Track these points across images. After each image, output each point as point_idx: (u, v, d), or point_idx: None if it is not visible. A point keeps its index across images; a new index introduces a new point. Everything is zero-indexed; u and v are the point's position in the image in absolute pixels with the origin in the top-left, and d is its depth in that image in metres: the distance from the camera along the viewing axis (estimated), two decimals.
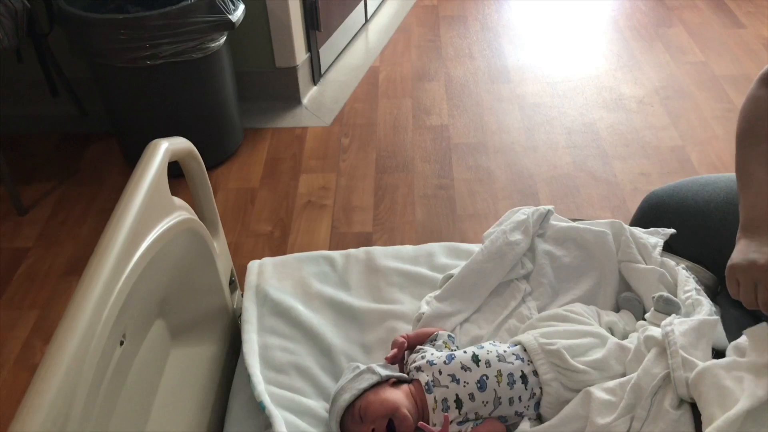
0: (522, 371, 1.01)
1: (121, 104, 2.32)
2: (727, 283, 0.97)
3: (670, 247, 1.29)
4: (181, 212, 1.02)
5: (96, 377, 0.74)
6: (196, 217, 1.07)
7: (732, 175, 1.33)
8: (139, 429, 0.95)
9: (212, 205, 1.23)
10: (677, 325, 0.96)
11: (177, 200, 1.03)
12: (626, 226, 1.22)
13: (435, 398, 1.00)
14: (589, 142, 2.52)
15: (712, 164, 2.39)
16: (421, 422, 0.98)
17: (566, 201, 2.26)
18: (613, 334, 1.08)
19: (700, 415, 0.89)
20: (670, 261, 1.18)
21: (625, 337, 1.06)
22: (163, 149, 1.01)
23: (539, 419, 1.01)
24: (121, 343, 0.84)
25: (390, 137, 2.62)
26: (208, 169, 1.21)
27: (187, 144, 1.11)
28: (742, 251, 0.97)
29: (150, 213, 0.92)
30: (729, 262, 0.97)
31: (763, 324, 0.93)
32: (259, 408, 1.04)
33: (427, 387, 1.01)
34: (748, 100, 1.11)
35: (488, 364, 1.01)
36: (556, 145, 2.52)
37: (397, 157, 2.52)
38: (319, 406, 1.07)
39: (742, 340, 0.96)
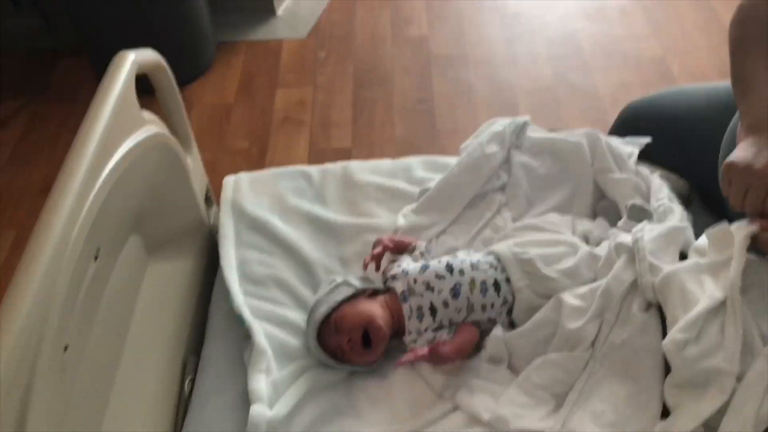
0: (495, 279, 1.03)
1: (88, 17, 2.23)
2: (720, 178, 0.95)
3: (647, 157, 1.29)
4: (151, 126, 1.00)
5: (71, 291, 0.74)
6: (167, 132, 1.05)
7: (710, 84, 1.32)
8: (119, 344, 0.96)
9: (184, 120, 1.21)
10: (647, 231, 0.98)
11: (147, 114, 1.01)
12: (602, 136, 1.22)
13: (410, 306, 1.02)
14: (571, 54, 2.48)
15: (692, 75, 2.37)
16: (410, 353, 1.00)
17: (546, 114, 2.25)
18: (588, 242, 1.10)
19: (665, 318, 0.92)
20: (645, 170, 1.18)
21: (599, 244, 1.07)
22: (130, 61, 0.98)
23: (511, 325, 1.03)
24: (96, 257, 0.84)
25: (368, 50, 2.56)
26: (181, 84, 1.18)
27: (155, 56, 1.08)
28: (742, 151, 0.94)
29: (118, 127, 0.90)
30: (727, 159, 0.95)
31: (723, 223, 0.94)
32: (239, 320, 1.06)
33: (402, 296, 1.03)
34: (741, 8, 1.08)
35: (462, 272, 1.03)
36: (537, 56, 2.48)
37: (376, 70, 2.46)
38: (298, 317, 1.09)
39: (702, 240, 0.97)
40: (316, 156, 2.15)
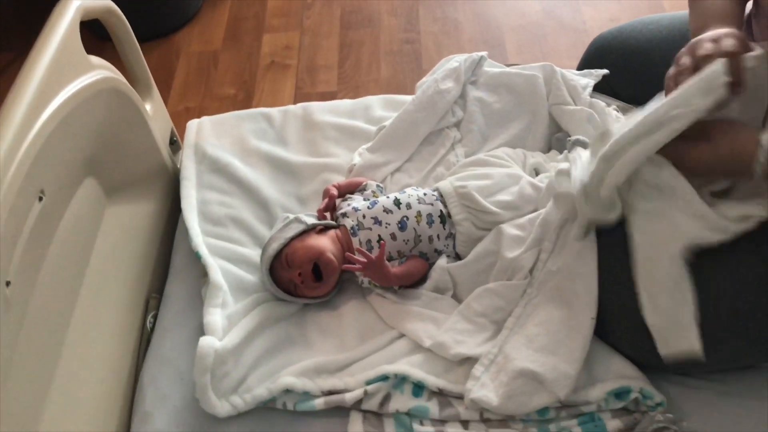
0: (441, 211, 1.05)
1: None
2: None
3: (612, 90, 1.28)
4: (99, 71, 1.02)
5: (9, 229, 0.78)
6: (119, 77, 1.07)
7: (677, 12, 1.30)
8: (76, 282, 1.00)
9: (143, 66, 1.22)
10: (584, 155, 0.98)
11: (95, 59, 1.02)
12: (557, 69, 1.22)
13: (360, 240, 1.05)
14: None
15: (684, 8, 2.31)
16: (347, 254, 1.03)
17: (533, 50, 2.22)
18: (538, 174, 1.11)
19: (603, 248, 0.93)
20: (600, 102, 1.18)
21: None
22: (74, 6, 1.00)
23: (458, 257, 1.06)
24: (40, 198, 0.87)
25: None
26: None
27: (105, 2, 1.09)
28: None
29: (60, 70, 0.92)
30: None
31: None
32: (198, 258, 1.10)
33: (352, 231, 1.05)
34: None
35: (408, 206, 1.05)
36: None
37: (363, 11, 2.44)
38: (255, 254, 1.12)
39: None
40: (302, 100, 2.13)
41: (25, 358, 0.85)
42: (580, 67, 1.36)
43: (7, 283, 0.79)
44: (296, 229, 1.06)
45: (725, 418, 0.91)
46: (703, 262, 0.87)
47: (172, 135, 1.31)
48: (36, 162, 0.84)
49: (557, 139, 1.19)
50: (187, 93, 2.24)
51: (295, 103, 2.15)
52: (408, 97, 1.34)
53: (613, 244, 0.92)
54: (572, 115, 1.16)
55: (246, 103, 2.17)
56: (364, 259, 0.99)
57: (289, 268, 1.03)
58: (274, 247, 1.04)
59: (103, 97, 1.02)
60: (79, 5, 1.01)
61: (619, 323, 0.91)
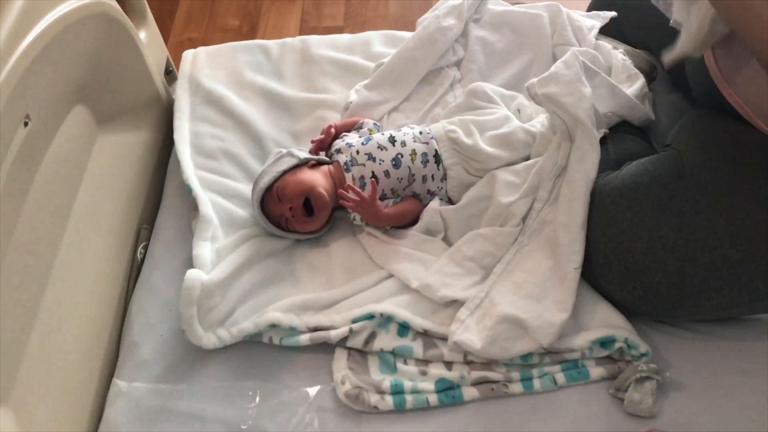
0: (436, 151, 1.03)
1: None
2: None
3: (621, 33, 1.24)
4: None
5: None
6: (111, 2, 1.04)
7: None
8: (65, 208, 1.00)
9: None
10: None
11: None
12: (563, 9, 1.18)
13: (353, 176, 1.03)
14: None
15: None
16: (340, 190, 1.01)
17: None
18: (519, 116, 1.08)
19: (600, 192, 0.92)
20: (607, 44, 1.14)
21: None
22: None
23: (450, 201, 1.05)
24: (26, 124, 0.85)
25: None
26: None
27: None
28: None
29: None
30: None
31: None
32: (188, 191, 1.09)
33: (345, 166, 1.04)
34: None
35: (404, 143, 1.03)
36: None
37: None
38: (247, 189, 1.11)
39: None
40: (307, 34, 2.10)
41: (12, 284, 0.85)
42: (590, 9, 1.32)
43: None
44: (288, 163, 1.04)
45: (708, 368, 0.91)
46: (701, 209, 0.86)
47: (168, 65, 1.29)
48: (20, 86, 0.82)
49: None
50: (190, 23, 2.19)
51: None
52: (409, 34, 1.30)
53: (611, 189, 0.91)
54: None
55: (250, 35, 2.13)
56: (356, 197, 0.98)
57: (280, 202, 1.02)
58: (266, 180, 1.03)
59: (93, 22, 0.99)
60: None
61: (609, 265, 0.90)
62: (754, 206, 0.85)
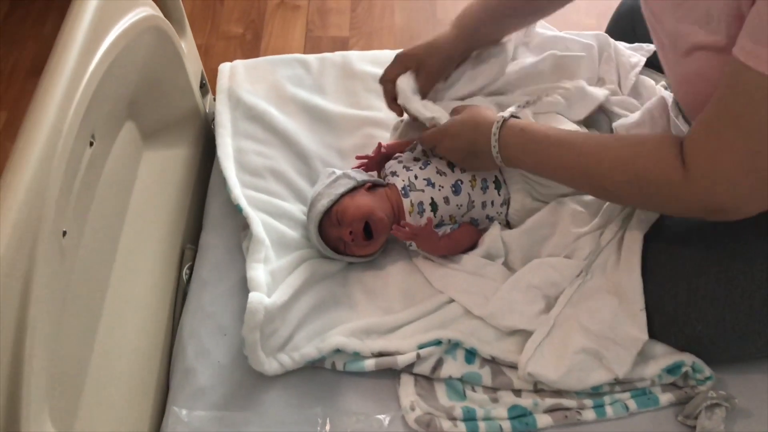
0: (496, 177, 1.02)
1: None
2: None
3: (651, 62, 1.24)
4: (144, 8, 0.96)
5: (67, 177, 0.73)
6: (160, 14, 1.01)
7: None
8: (117, 231, 0.96)
9: (178, 3, 1.16)
10: None
11: None
12: (612, 41, 1.18)
13: (411, 202, 1.02)
14: None
15: None
16: (403, 222, 1.01)
17: None
18: None
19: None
20: (648, 80, 1.15)
21: None
22: None
23: (508, 225, 1.04)
24: (91, 143, 0.82)
25: None
26: None
27: None
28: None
29: (111, 7, 0.86)
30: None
31: None
32: (236, 210, 1.06)
33: (403, 191, 1.02)
34: None
35: (463, 169, 1.02)
36: None
37: None
38: (295, 209, 1.09)
39: None
40: (312, 44, 2.09)
41: (73, 309, 0.82)
42: (608, 31, 1.30)
43: (64, 233, 0.75)
44: (346, 185, 1.02)
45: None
46: (737, 256, 0.87)
47: (202, 77, 1.25)
48: (90, 105, 0.79)
49: (594, 121, 1.16)
50: (192, 29, 2.12)
51: (305, 46, 2.09)
52: None
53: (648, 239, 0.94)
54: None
55: (254, 43, 2.10)
56: (411, 231, 0.98)
57: (340, 226, 1.00)
58: (324, 203, 1.01)
59: (147, 35, 0.96)
60: None
61: (650, 317, 0.91)
62: None
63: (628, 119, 1.07)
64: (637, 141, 0.87)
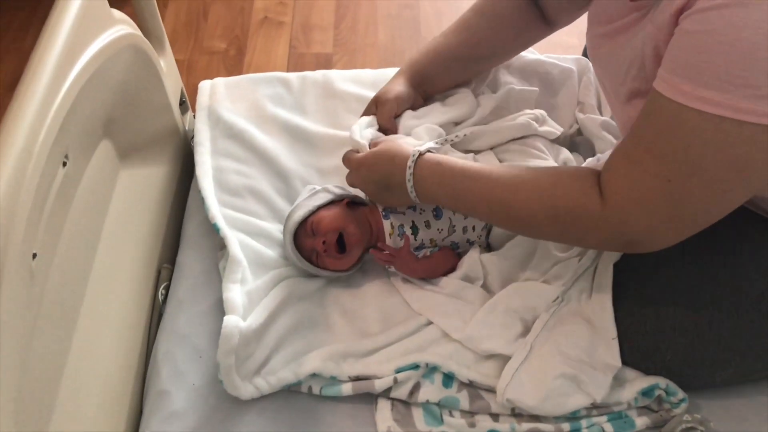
0: None
1: None
2: None
3: None
4: (122, 26, 0.95)
5: (38, 198, 0.72)
6: (139, 33, 1.00)
7: None
8: (91, 251, 0.95)
9: (157, 20, 1.15)
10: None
11: (117, 13, 0.95)
12: (591, 65, 1.19)
13: (392, 224, 1.01)
14: None
15: None
16: (380, 243, 1.00)
17: None
18: None
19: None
20: None
21: None
22: None
23: (488, 247, 1.04)
24: (64, 164, 0.81)
25: None
26: None
27: None
28: None
29: (86, 26, 0.85)
30: None
31: None
32: (214, 229, 1.05)
33: (384, 213, 1.02)
34: None
35: None
36: None
37: None
38: (273, 228, 1.08)
39: None
40: (296, 60, 2.09)
41: (44, 331, 0.80)
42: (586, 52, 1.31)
43: (34, 255, 0.73)
44: (324, 198, 1.02)
45: (751, 419, 0.92)
46: (705, 284, 0.89)
47: (182, 95, 1.25)
48: (63, 125, 0.78)
49: (580, 142, 1.16)
50: (174, 45, 2.11)
51: (289, 62, 2.09)
52: None
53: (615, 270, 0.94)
54: (595, 124, 1.13)
55: (238, 59, 2.09)
56: (390, 254, 0.97)
57: (314, 236, 0.99)
58: (300, 213, 1.00)
59: (124, 54, 0.95)
60: None
61: (621, 347, 0.90)
62: (756, 275, 0.88)
63: (603, 155, 1.07)
64: (555, 171, 0.87)
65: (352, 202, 1.04)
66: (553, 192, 0.82)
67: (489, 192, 0.87)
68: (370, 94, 1.24)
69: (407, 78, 1.11)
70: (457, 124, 1.11)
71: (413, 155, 0.92)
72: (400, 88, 1.09)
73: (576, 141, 1.17)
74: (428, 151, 0.94)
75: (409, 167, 0.92)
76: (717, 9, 0.63)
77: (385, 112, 1.08)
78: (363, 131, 1.04)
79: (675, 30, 0.69)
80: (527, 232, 0.93)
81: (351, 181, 1.02)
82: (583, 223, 0.80)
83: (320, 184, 1.11)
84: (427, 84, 1.12)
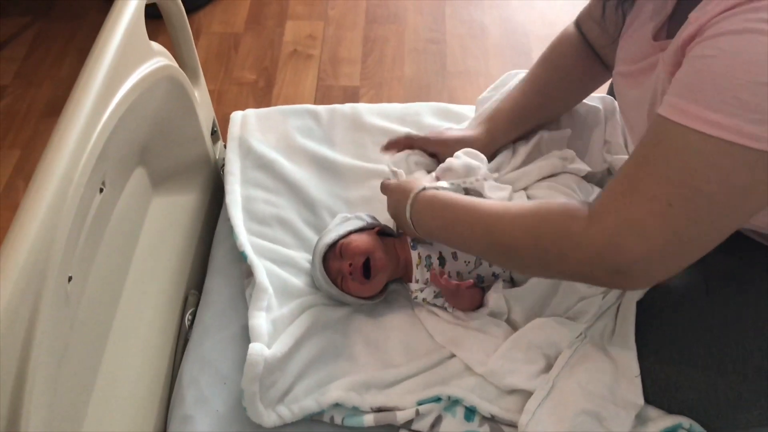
0: None
1: None
2: None
3: None
4: (159, 58, 0.98)
5: (75, 223, 0.74)
6: (175, 64, 1.03)
7: None
8: (122, 276, 0.97)
9: (193, 52, 1.18)
10: None
11: (155, 45, 0.99)
12: (616, 104, 1.19)
13: (419, 254, 1.02)
14: None
15: None
16: (435, 277, 0.99)
17: None
18: None
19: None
20: None
21: None
22: None
23: (512, 280, 1.04)
24: (101, 190, 0.83)
25: None
26: (189, 11, 1.15)
27: None
28: None
29: (127, 58, 0.88)
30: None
31: None
32: (241, 257, 1.06)
33: (412, 243, 1.03)
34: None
35: None
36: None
37: (389, 6, 2.41)
38: (300, 257, 1.10)
39: None
40: (324, 92, 2.13)
41: (75, 353, 0.82)
42: (611, 90, 1.33)
43: (69, 278, 0.76)
44: (356, 224, 1.05)
45: None
46: (729, 323, 0.88)
47: (213, 124, 1.28)
48: (102, 153, 0.80)
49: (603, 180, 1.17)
50: (206, 75, 2.17)
51: (316, 94, 2.13)
52: (459, 107, 1.32)
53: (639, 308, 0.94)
54: (621, 161, 1.13)
55: (266, 90, 2.13)
56: (457, 283, 0.97)
57: (341, 258, 1.01)
58: (332, 236, 1.03)
59: (161, 84, 0.98)
60: None
61: (644, 383, 0.90)
62: None
63: None
64: (544, 202, 0.85)
65: (383, 232, 1.06)
66: (536, 216, 0.81)
67: (475, 220, 0.87)
68: (397, 127, 1.27)
69: (491, 135, 1.13)
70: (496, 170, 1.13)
71: (415, 191, 0.96)
72: (479, 146, 1.11)
73: (605, 181, 1.17)
74: (434, 188, 0.97)
75: (410, 201, 0.96)
76: (726, 35, 0.64)
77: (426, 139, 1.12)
78: (396, 162, 1.09)
79: (683, 59, 0.70)
80: (508, 262, 0.90)
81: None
82: (565, 243, 0.76)
83: (351, 213, 1.13)
84: (501, 140, 1.14)
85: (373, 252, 1.01)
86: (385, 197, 1.06)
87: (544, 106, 1.14)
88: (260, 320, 0.97)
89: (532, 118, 1.14)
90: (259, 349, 0.92)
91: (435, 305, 1.03)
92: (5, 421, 0.62)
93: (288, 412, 0.92)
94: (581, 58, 1.11)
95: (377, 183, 1.17)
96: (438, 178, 1.05)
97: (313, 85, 2.15)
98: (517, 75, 1.22)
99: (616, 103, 1.20)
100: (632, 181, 0.72)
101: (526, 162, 1.12)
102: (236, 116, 1.28)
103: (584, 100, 1.20)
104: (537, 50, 2.23)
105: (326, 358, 0.99)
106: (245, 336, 0.97)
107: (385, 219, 1.10)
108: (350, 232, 1.04)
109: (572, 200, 0.84)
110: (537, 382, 0.92)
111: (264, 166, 1.19)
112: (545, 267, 0.83)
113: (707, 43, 0.66)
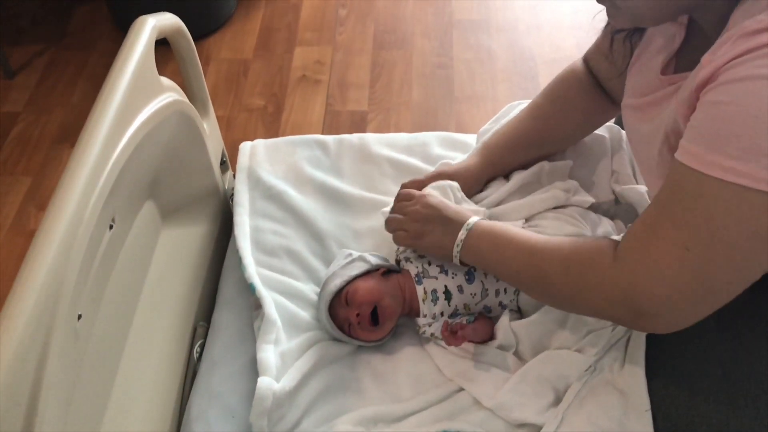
0: None
1: None
2: None
3: None
4: (169, 93, 0.99)
5: (85, 262, 0.75)
6: (185, 99, 1.05)
7: None
8: (131, 309, 0.97)
9: (202, 84, 1.19)
10: None
11: (165, 81, 1.00)
12: (623, 133, 1.20)
13: (424, 289, 1.02)
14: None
15: None
16: (455, 325, 0.98)
17: None
18: None
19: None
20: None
21: None
22: (150, 27, 0.97)
23: (519, 311, 1.04)
24: (111, 227, 0.84)
25: (390, 10, 2.52)
26: (198, 38, 1.17)
27: (174, 20, 1.07)
28: None
29: (137, 95, 0.89)
30: None
31: None
32: (250, 289, 1.07)
33: (417, 278, 1.03)
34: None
35: None
36: (561, 24, 2.43)
37: (396, 31, 2.43)
38: (308, 289, 1.10)
39: None
40: (332, 118, 2.14)
41: (83, 389, 0.82)
42: (619, 120, 1.33)
43: (79, 317, 0.76)
44: (360, 268, 1.04)
45: None
46: (740, 357, 0.87)
47: (222, 155, 1.29)
48: (112, 191, 0.81)
49: (622, 210, 1.16)
50: (215, 101, 2.20)
51: (325, 120, 2.14)
52: (465, 137, 1.32)
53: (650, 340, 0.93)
54: (633, 193, 1.14)
55: (275, 116, 2.15)
56: (462, 336, 0.96)
57: (348, 307, 1.00)
58: (337, 283, 1.02)
59: (171, 119, 0.99)
60: (155, 25, 0.98)
61: (654, 419, 0.89)
62: None
63: None
64: (582, 237, 0.89)
65: (387, 271, 1.06)
66: (571, 246, 0.84)
67: (520, 249, 0.90)
68: (405, 158, 1.27)
69: (486, 163, 1.14)
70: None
71: (467, 226, 0.96)
72: (477, 173, 1.13)
73: (612, 211, 1.17)
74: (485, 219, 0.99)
75: (463, 233, 0.96)
76: (741, 81, 0.65)
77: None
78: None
79: (697, 104, 0.71)
80: (543, 292, 0.92)
81: (404, 210, 1.04)
82: (591, 277, 0.80)
83: (354, 248, 1.13)
84: (502, 168, 1.16)
85: (380, 300, 1.00)
86: None
87: (542, 132, 1.14)
88: (269, 353, 0.98)
89: (530, 145, 1.14)
90: (267, 383, 0.92)
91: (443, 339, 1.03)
92: None
93: None
94: (585, 91, 1.11)
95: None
96: None
97: (321, 111, 2.16)
98: (519, 105, 1.23)
99: (623, 132, 1.21)
100: (652, 224, 0.74)
101: (521, 191, 1.12)
102: (245, 147, 1.29)
103: None
104: (544, 75, 2.24)
105: (334, 391, 0.99)
106: (254, 369, 0.98)
107: (390, 250, 1.11)
108: (355, 277, 1.03)
109: (606, 237, 0.86)
110: (546, 417, 0.92)
111: (272, 197, 1.20)
112: (573, 300, 0.86)
113: (721, 88, 0.67)
